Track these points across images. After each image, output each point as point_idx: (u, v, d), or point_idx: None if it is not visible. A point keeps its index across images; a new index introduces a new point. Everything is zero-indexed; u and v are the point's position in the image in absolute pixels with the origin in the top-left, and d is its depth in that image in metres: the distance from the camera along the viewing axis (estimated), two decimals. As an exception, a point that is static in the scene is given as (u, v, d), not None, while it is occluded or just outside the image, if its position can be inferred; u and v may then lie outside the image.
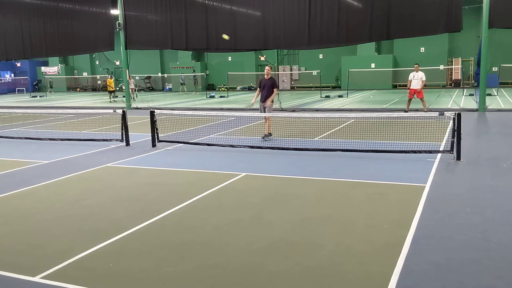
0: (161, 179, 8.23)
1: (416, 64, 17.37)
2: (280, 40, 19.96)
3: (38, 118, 19.40)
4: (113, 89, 29.32)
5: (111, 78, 30.18)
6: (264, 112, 12.17)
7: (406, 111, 16.50)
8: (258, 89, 12.38)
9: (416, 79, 16.78)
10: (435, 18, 17.05)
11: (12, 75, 47.79)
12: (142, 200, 6.96)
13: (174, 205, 6.48)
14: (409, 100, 17.11)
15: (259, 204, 6.59)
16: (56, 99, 33.47)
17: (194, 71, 38.87)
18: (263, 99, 12.21)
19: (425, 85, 17.23)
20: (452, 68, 32.94)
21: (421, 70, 17.12)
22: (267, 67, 12.59)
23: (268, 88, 12.10)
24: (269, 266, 4.49)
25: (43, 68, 46.67)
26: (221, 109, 20.86)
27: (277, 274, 4.32)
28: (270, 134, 12.15)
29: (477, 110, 17.42)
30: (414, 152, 9.30)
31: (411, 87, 16.93)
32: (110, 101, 28.38)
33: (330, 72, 36.46)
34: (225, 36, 16.00)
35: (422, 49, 33.63)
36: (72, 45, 24.61)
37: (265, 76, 12.27)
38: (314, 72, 35.11)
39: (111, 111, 13.16)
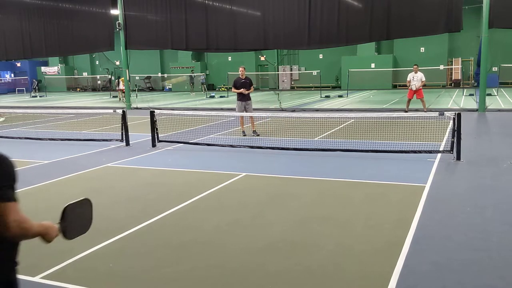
0: (161, 179, 8.23)
1: (415, 65, 17.33)
2: (280, 40, 19.97)
3: (38, 118, 19.39)
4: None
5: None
6: (245, 111, 12.73)
7: (406, 111, 16.50)
8: (235, 88, 12.85)
9: (416, 80, 16.78)
10: (435, 18, 17.05)
11: (12, 75, 47.78)
12: (142, 200, 6.96)
13: (174, 205, 6.48)
14: (409, 100, 17.10)
15: (259, 204, 6.59)
16: (56, 99, 33.48)
17: (192, 71, 38.86)
18: (242, 99, 12.78)
19: (424, 85, 17.23)
20: (452, 68, 32.93)
21: (421, 70, 17.16)
22: (241, 68, 13.13)
23: (247, 88, 12.79)
24: (269, 266, 4.49)
25: (43, 68, 46.63)
26: (221, 109, 20.85)
27: (277, 274, 4.32)
28: (245, 133, 12.75)
29: (477, 110, 17.41)
30: (414, 152, 9.30)
31: (410, 89, 16.92)
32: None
33: (330, 72, 36.44)
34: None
35: (422, 49, 33.61)
36: (72, 45, 24.61)
37: (241, 76, 12.83)
38: (314, 72, 35.10)
39: (111, 111, 13.17)
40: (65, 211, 2.32)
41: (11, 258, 2.19)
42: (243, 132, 12.80)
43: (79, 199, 2.45)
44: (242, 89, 12.67)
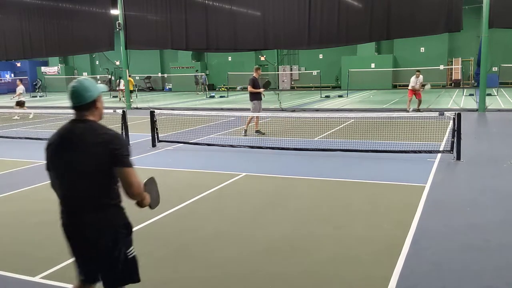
0: (161, 179, 8.15)
1: (417, 71, 17.83)
2: (280, 40, 19.96)
3: (38, 118, 19.39)
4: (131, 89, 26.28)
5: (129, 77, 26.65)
6: (260, 111, 12.93)
7: (408, 111, 16.83)
8: (253, 88, 12.81)
9: (418, 83, 17.38)
10: (435, 18, 17.07)
11: (12, 75, 47.75)
12: (142, 200, 6.94)
13: (174, 205, 6.48)
14: (410, 99, 17.49)
15: (259, 204, 6.58)
16: (56, 99, 33.47)
17: (197, 71, 38.89)
18: (260, 98, 12.89)
19: (424, 85, 17.78)
20: (452, 68, 32.92)
21: (421, 71, 17.83)
22: (260, 68, 13.26)
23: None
24: (269, 267, 4.49)
25: (43, 68, 46.62)
26: (221, 109, 20.86)
27: (277, 274, 4.32)
28: (246, 133, 12.79)
29: (477, 110, 17.42)
30: (414, 152, 9.30)
31: (411, 89, 17.50)
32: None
33: (330, 72, 36.43)
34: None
35: (422, 49, 33.60)
36: (72, 45, 24.59)
37: (256, 76, 12.86)
38: (314, 72, 35.09)
39: (111, 111, 13.15)
40: (145, 186, 3.05)
41: (123, 209, 3.01)
42: (245, 131, 12.78)
43: (148, 179, 3.19)
44: (261, 88, 12.80)
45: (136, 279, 3.14)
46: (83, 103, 2.85)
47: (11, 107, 20.18)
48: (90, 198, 2.86)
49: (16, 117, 19.45)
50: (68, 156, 2.83)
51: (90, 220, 2.86)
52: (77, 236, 2.95)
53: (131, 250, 3.07)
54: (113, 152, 2.79)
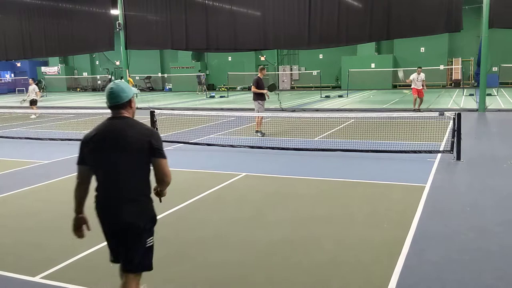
0: (161, 179, 8.21)
1: (419, 68, 17.83)
2: (280, 40, 19.98)
3: (38, 118, 19.38)
4: None
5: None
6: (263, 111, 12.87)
7: (414, 110, 16.94)
8: (257, 88, 12.72)
9: (419, 80, 17.38)
10: (435, 18, 17.10)
11: (12, 75, 47.74)
12: (142, 200, 6.94)
13: (173, 205, 6.48)
14: (415, 98, 17.57)
15: (259, 204, 6.59)
16: (56, 99, 33.47)
17: (200, 70, 38.86)
18: (264, 98, 12.78)
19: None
20: (452, 68, 32.92)
21: (422, 71, 17.72)
22: (264, 68, 13.23)
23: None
24: (269, 266, 4.49)
25: (43, 68, 46.61)
26: (221, 109, 20.85)
27: (276, 274, 4.32)
28: (263, 133, 12.77)
29: (477, 110, 17.43)
30: (414, 152, 9.30)
31: (414, 87, 17.51)
32: None
33: (330, 72, 36.43)
34: None
35: (422, 49, 33.60)
36: (72, 45, 24.62)
37: (261, 76, 12.84)
38: (314, 72, 35.09)
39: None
40: None
41: (152, 201, 3.28)
42: (260, 132, 12.64)
43: None
44: (266, 89, 12.76)
45: (150, 267, 3.35)
46: (120, 103, 3.18)
47: (25, 107, 20.17)
48: (129, 190, 3.14)
49: (33, 116, 19.40)
50: (110, 151, 3.09)
51: (126, 211, 3.12)
52: (111, 225, 3.21)
53: (150, 239, 3.28)
54: (152, 144, 3.12)
